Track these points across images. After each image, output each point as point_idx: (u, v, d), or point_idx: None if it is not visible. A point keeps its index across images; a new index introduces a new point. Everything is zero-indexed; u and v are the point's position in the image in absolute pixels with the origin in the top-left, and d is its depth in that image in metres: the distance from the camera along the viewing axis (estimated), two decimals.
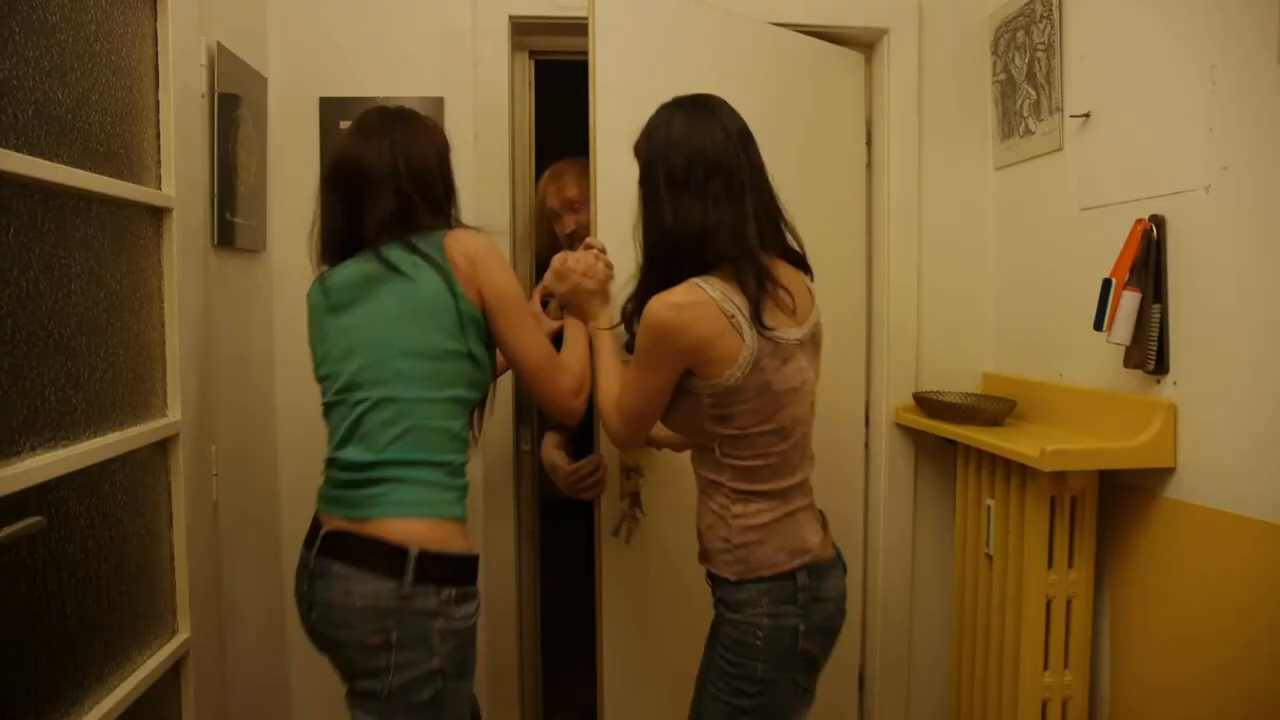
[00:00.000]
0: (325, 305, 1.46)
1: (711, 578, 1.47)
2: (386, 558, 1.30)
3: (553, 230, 2.29)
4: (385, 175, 1.43)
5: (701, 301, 1.31)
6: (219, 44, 1.79)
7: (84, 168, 1.30)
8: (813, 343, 1.46)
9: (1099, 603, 1.91)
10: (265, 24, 2.16)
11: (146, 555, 1.52)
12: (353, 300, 1.42)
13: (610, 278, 1.67)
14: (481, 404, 1.54)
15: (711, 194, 1.33)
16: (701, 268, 1.34)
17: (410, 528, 1.33)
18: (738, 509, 1.40)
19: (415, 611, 1.30)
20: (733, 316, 1.31)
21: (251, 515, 2.01)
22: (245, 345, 2.03)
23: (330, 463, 1.44)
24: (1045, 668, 1.90)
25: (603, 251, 1.70)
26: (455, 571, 1.35)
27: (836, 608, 1.45)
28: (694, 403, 1.38)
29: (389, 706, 1.30)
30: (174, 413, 1.58)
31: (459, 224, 1.52)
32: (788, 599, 1.38)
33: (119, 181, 1.38)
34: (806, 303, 1.45)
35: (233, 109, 1.89)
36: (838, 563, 1.48)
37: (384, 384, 1.37)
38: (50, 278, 1.22)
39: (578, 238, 2.08)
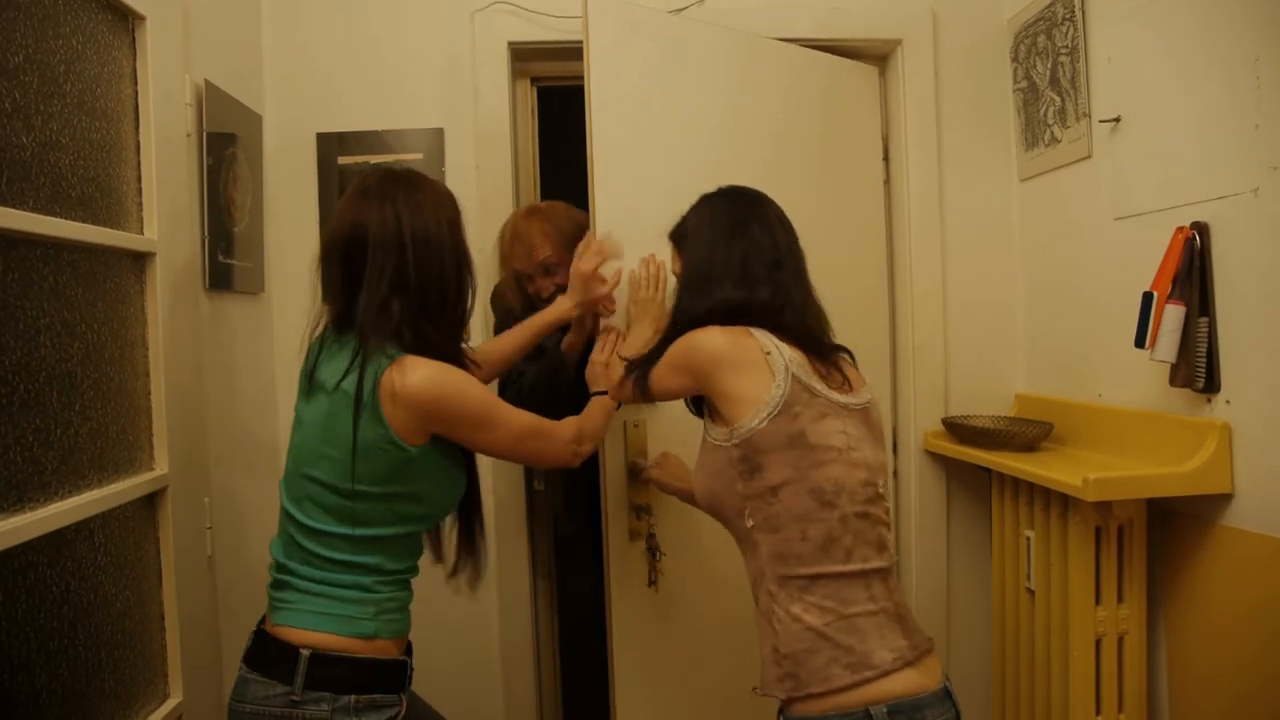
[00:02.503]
0: (302, 372, 1.34)
1: (779, 710, 1.23)
2: (278, 660, 1.21)
3: (522, 285, 2.00)
4: (388, 247, 1.26)
5: (740, 331, 1.28)
6: (207, 81, 1.74)
7: (52, 213, 1.24)
8: (864, 417, 1.30)
9: (1154, 640, 1.77)
10: (260, 60, 2.12)
11: (133, 617, 1.44)
12: (312, 386, 1.29)
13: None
14: (438, 527, 1.42)
15: (760, 278, 1.33)
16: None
17: (302, 634, 1.22)
18: (782, 606, 1.20)
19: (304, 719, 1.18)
20: (769, 354, 1.24)
21: (252, 569, 1.93)
22: (243, 390, 1.96)
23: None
24: (1097, 711, 1.76)
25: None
26: (359, 676, 1.22)
27: None
28: (723, 459, 1.25)
29: None
30: (161, 465, 1.51)
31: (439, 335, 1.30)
32: None
33: (92, 226, 1.32)
34: (856, 379, 1.35)
35: (224, 147, 1.84)
36: (939, 702, 1.17)
37: (295, 501, 1.28)
38: (13, 330, 1.15)
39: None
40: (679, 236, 1.45)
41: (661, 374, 1.37)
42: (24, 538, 1.13)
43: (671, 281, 1.51)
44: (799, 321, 1.32)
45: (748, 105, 2.03)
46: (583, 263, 1.70)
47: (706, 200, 1.44)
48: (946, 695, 1.18)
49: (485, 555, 1.49)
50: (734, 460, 1.23)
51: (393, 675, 1.27)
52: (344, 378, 1.23)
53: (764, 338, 1.26)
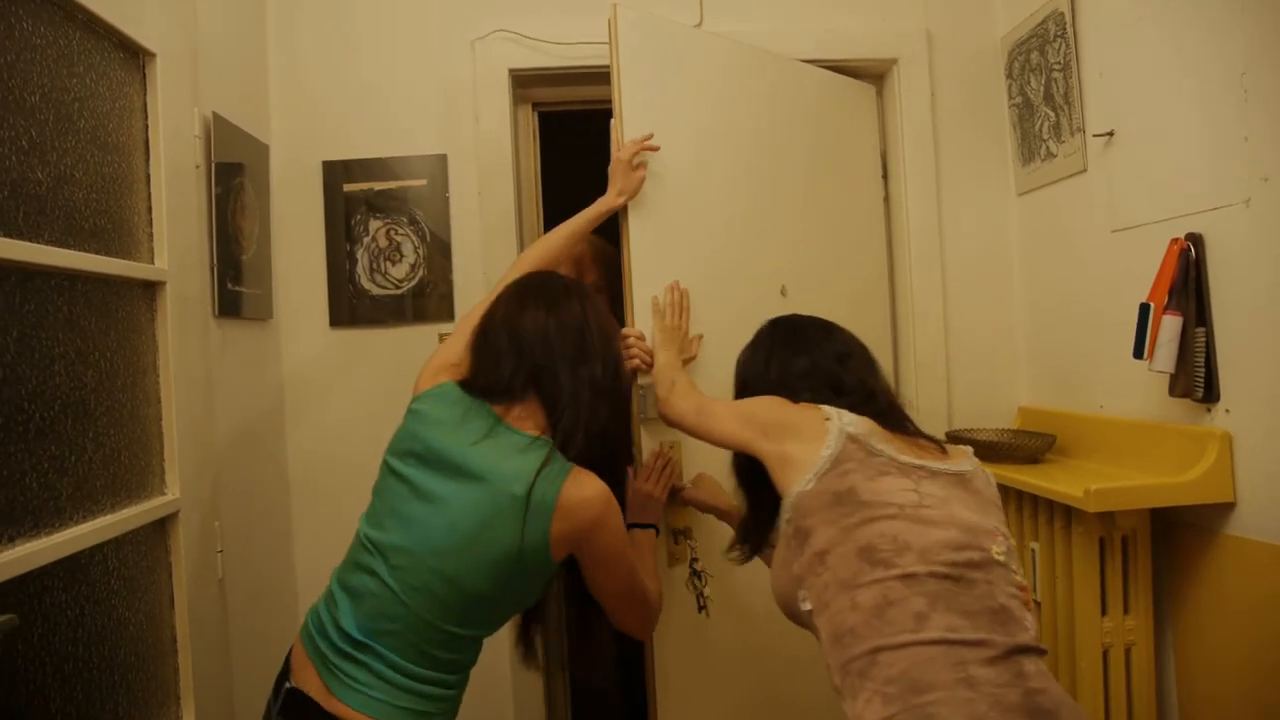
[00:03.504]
0: (429, 445, 1.25)
1: None
2: None
3: None
4: (590, 355, 1.28)
5: (807, 404, 1.21)
6: (215, 114, 1.78)
7: (67, 246, 1.27)
8: (958, 481, 1.12)
9: (1162, 651, 1.77)
10: (266, 92, 2.17)
11: (145, 640, 1.46)
12: (451, 470, 1.22)
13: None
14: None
15: (836, 375, 1.28)
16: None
17: None
18: (846, 705, 0.96)
19: None
20: (829, 419, 1.14)
21: (264, 592, 1.95)
22: (253, 415, 1.99)
23: (330, 596, 1.27)
24: None
25: (640, 338, 1.75)
26: None
27: None
28: (782, 545, 1.13)
29: None
30: (173, 490, 1.53)
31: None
32: None
33: (104, 258, 1.35)
34: (956, 453, 1.21)
35: (232, 177, 1.88)
36: None
37: (409, 587, 1.20)
38: (30, 360, 1.18)
39: None
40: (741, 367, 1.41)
41: (725, 416, 1.29)
42: (40, 562, 1.15)
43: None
44: (874, 402, 1.22)
45: (742, 120, 2.05)
46: (622, 151, 1.74)
47: (762, 329, 1.43)
48: None
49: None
50: (789, 538, 1.10)
51: None
52: (518, 479, 1.18)
53: (828, 408, 1.17)
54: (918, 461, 1.11)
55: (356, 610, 1.22)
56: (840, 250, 2.25)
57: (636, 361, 1.73)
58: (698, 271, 1.83)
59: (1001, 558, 1.02)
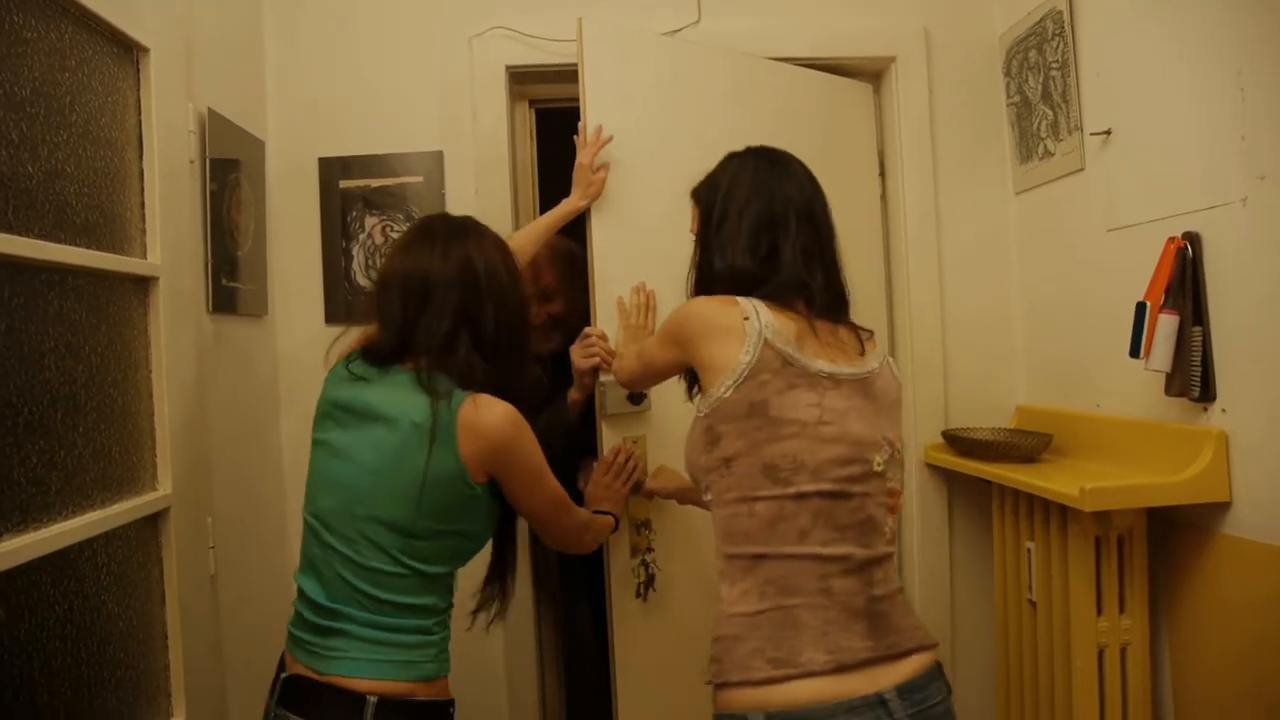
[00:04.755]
0: (334, 402, 1.30)
1: None
2: (344, 708, 1.19)
3: None
4: (454, 284, 1.28)
5: (727, 298, 1.21)
6: (210, 109, 1.77)
7: (57, 240, 1.26)
8: (862, 387, 1.19)
9: (1157, 651, 1.76)
10: (263, 88, 2.17)
11: (136, 636, 1.46)
12: (356, 418, 1.26)
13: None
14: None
15: (775, 242, 1.25)
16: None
17: (366, 683, 1.20)
18: (724, 587, 1.14)
19: None
20: (747, 319, 1.16)
21: (257, 588, 1.95)
22: (247, 411, 1.99)
23: (298, 592, 1.30)
24: None
25: (602, 338, 1.81)
26: (420, 718, 1.23)
27: None
28: (697, 430, 1.21)
29: None
30: (164, 486, 1.53)
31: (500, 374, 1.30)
32: None
33: (95, 252, 1.35)
34: (868, 349, 1.26)
35: (227, 173, 1.87)
36: (843, 710, 1.04)
37: (348, 542, 1.23)
38: (19, 354, 1.18)
39: (555, 326, 2.08)
40: (698, 194, 1.37)
41: (652, 349, 1.35)
42: (27, 557, 1.15)
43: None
44: (806, 286, 1.22)
45: (742, 125, 2.05)
46: (582, 155, 1.79)
47: (731, 158, 1.37)
48: (879, 702, 1.05)
49: (512, 596, 1.47)
50: (703, 431, 1.18)
51: (448, 716, 1.27)
52: (416, 409, 1.20)
53: (748, 304, 1.18)
54: (828, 369, 1.17)
55: (320, 582, 1.25)
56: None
57: (597, 360, 1.77)
58: (668, 273, 1.83)
59: (880, 468, 1.16)
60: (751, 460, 1.13)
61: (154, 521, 1.52)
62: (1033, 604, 1.93)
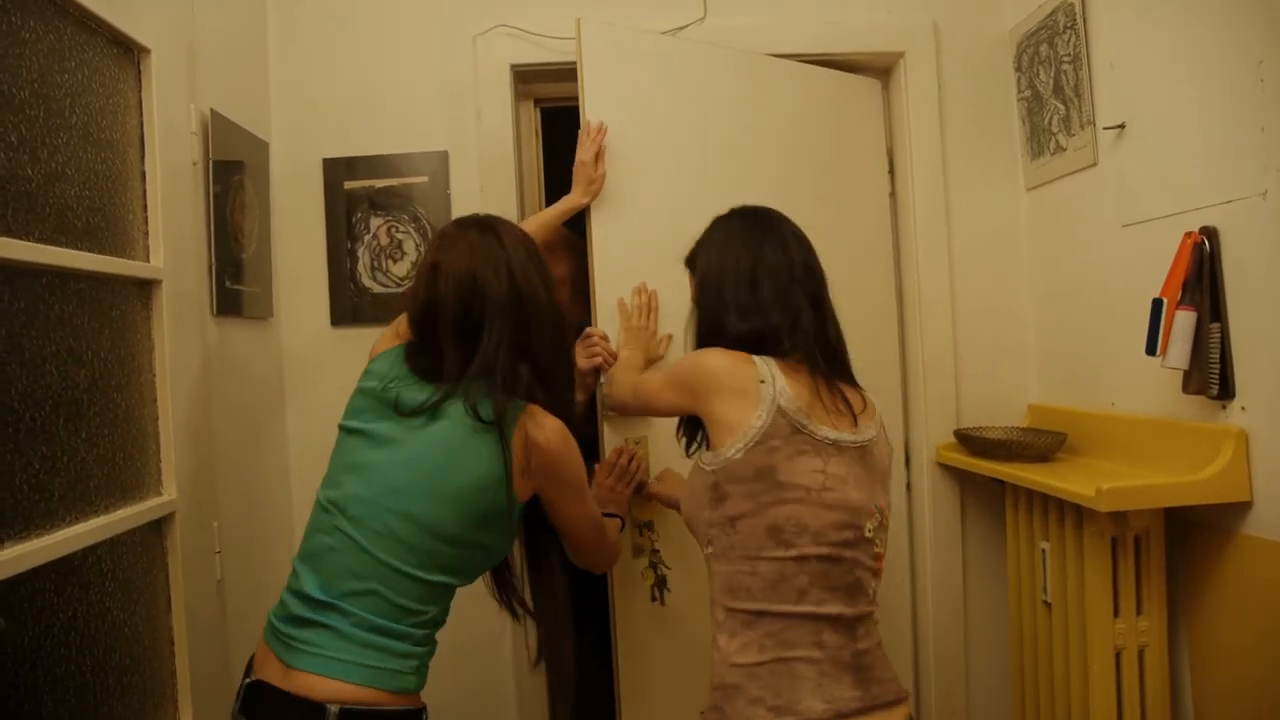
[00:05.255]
0: (382, 394, 1.26)
1: None
2: (301, 716, 1.12)
3: None
4: (503, 311, 1.25)
5: (742, 356, 1.26)
6: (213, 111, 1.76)
7: (58, 244, 1.25)
8: (861, 456, 1.25)
9: (1176, 653, 1.74)
10: (266, 89, 2.15)
11: (142, 642, 1.45)
12: (407, 413, 1.23)
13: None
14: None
15: (771, 300, 1.29)
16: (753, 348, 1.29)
17: (335, 686, 1.13)
18: (724, 639, 1.19)
19: None
20: (763, 382, 1.21)
21: (265, 593, 1.92)
22: (253, 414, 1.98)
23: (292, 578, 1.25)
24: None
25: (604, 338, 1.79)
26: None
27: None
28: (701, 483, 1.26)
29: None
30: (169, 490, 1.52)
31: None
32: None
33: (96, 255, 1.34)
34: (866, 416, 1.30)
35: (230, 175, 1.86)
36: None
37: (371, 533, 1.18)
38: (20, 359, 1.16)
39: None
40: (692, 261, 1.42)
41: (659, 386, 1.38)
42: (30, 564, 1.13)
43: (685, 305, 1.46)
44: (809, 345, 1.27)
45: (747, 123, 2.04)
46: (583, 151, 1.79)
47: (718, 223, 1.41)
48: None
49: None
50: (708, 486, 1.23)
51: None
52: (477, 414, 1.19)
53: (764, 366, 1.23)
54: (832, 436, 1.22)
55: (318, 573, 1.20)
56: (845, 247, 2.22)
57: (599, 360, 1.77)
58: (669, 273, 1.81)
59: (870, 534, 1.23)
60: (756, 521, 1.18)
61: (159, 527, 1.50)
62: (1048, 605, 1.90)
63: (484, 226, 1.33)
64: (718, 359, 1.26)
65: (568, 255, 2.12)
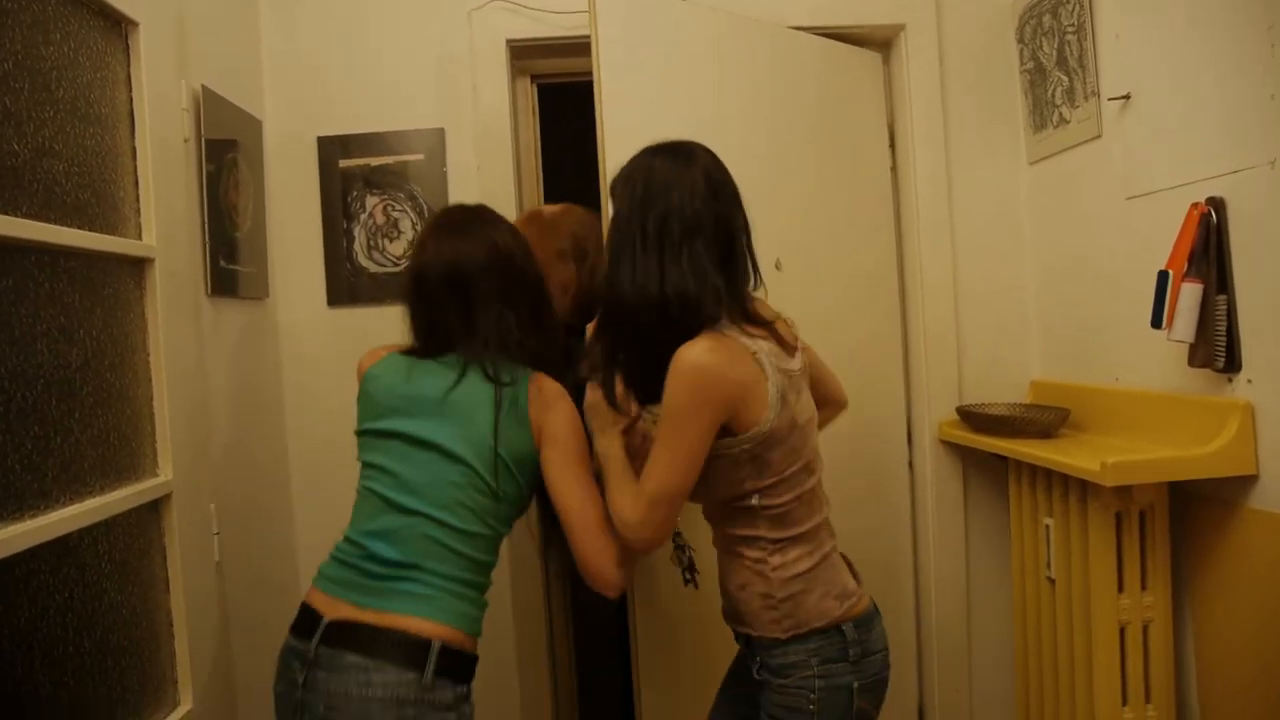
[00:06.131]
0: (404, 385, 1.36)
1: (749, 641, 1.34)
2: (407, 649, 1.24)
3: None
4: (489, 272, 1.37)
5: (731, 344, 1.23)
6: (204, 87, 1.73)
7: (46, 219, 1.23)
8: (804, 374, 1.38)
9: (1180, 628, 1.73)
10: (259, 66, 2.12)
11: (140, 624, 1.44)
12: (433, 405, 1.33)
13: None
14: None
15: (696, 254, 1.23)
16: (690, 331, 1.23)
17: (432, 627, 1.26)
18: (776, 559, 1.29)
19: (433, 704, 1.24)
20: (755, 354, 1.25)
21: (264, 574, 1.92)
22: (250, 394, 1.96)
23: (352, 544, 1.32)
24: (1124, 702, 1.72)
25: None
26: (466, 669, 1.30)
27: (884, 660, 1.34)
28: (728, 464, 1.26)
29: None
30: (165, 471, 1.50)
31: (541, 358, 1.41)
32: (839, 656, 1.28)
33: (86, 233, 1.31)
34: (791, 334, 1.37)
35: (223, 153, 1.83)
36: (877, 611, 1.37)
37: (445, 508, 1.30)
38: (9, 337, 1.14)
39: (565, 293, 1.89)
40: (613, 192, 1.34)
41: (683, 426, 1.22)
42: (23, 546, 1.12)
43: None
44: (741, 301, 1.29)
45: (743, 95, 2.01)
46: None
47: (639, 159, 1.32)
48: (875, 606, 1.37)
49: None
50: (743, 461, 1.26)
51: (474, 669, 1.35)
52: (492, 394, 1.32)
53: (740, 339, 1.24)
54: (797, 365, 1.33)
55: (391, 543, 1.30)
56: (846, 222, 2.21)
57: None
58: None
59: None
60: (796, 465, 1.29)
61: (155, 508, 1.49)
62: (1051, 581, 1.90)
63: (469, 210, 1.46)
64: (713, 360, 1.20)
65: (576, 263, 2.04)
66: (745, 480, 1.27)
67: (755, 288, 1.35)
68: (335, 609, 1.28)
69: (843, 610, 1.29)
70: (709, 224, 1.25)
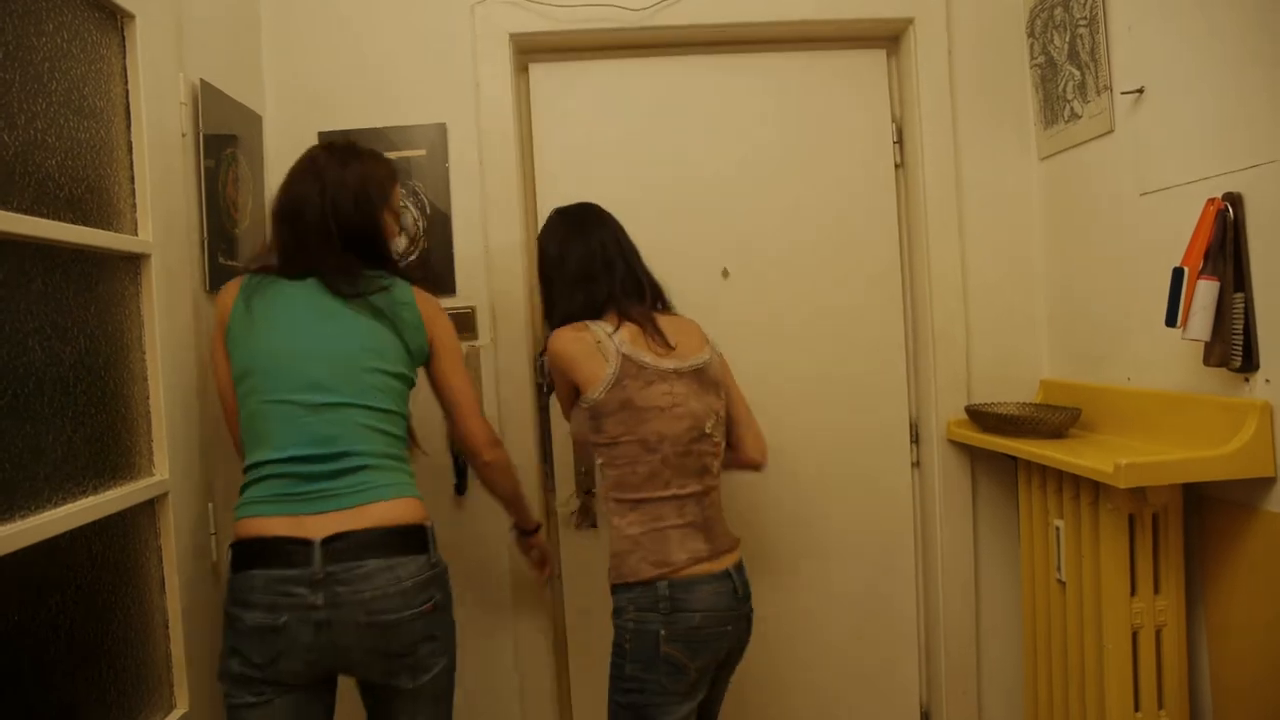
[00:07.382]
0: (257, 311, 1.46)
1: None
2: (413, 537, 1.40)
3: None
4: (319, 218, 1.50)
5: (578, 335, 1.59)
6: (203, 81, 1.71)
7: (39, 214, 1.20)
8: (696, 376, 1.61)
9: (1194, 633, 1.70)
10: (259, 60, 2.09)
11: (135, 625, 1.42)
12: (310, 317, 1.45)
13: None
14: None
15: (592, 278, 1.64)
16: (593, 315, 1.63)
17: (406, 507, 1.41)
18: (617, 519, 1.59)
19: (440, 577, 1.45)
20: (600, 343, 1.57)
21: None
22: None
23: (277, 463, 1.38)
24: (1136, 708, 1.69)
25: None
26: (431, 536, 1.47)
27: (704, 620, 1.53)
28: (581, 415, 1.61)
29: (448, 666, 1.48)
30: (161, 471, 1.48)
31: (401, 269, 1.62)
32: (650, 607, 1.53)
33: (80, 227, 1.29)
34: (693, 344, 1.65)
35: (223, 148, 1.81)
36: (716, 580, 1.56)
37: (359, 393, 1.43)
38: (1, 335, 1.12)
39: None
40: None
41: (560, 389, 1.68)
42: (15, 546, 1.10)
43: None
44: (624, 306, 1.62)
45: (740, 108, 1.99)
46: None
47: (549, 222, 1.75)
48: (726, 576, 1.57)
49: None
50: (588, 419, 1.59)
51: None
52: (377, 301, 1.48)
53: (598, 329, 1.59)
54: (670, 365, 1.59)
55: (313, 441, 1.38)
56: (848, 225, 2.23)
57: None
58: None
59: (709, 430, 1.62)
60: (631, 438, 1.56)
61: (151, 508, 1.47)
62: (1062, 583, 1.86)
63: (341, 149, 1.61)
64: (562, 342, 1.60)
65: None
66: (590, 435, 1.59)
67: (647, 299, 1.67)
68: (313, 526, 1.34)
69: (655, 574, 1.53)
70: (607, 260, 1.66)
